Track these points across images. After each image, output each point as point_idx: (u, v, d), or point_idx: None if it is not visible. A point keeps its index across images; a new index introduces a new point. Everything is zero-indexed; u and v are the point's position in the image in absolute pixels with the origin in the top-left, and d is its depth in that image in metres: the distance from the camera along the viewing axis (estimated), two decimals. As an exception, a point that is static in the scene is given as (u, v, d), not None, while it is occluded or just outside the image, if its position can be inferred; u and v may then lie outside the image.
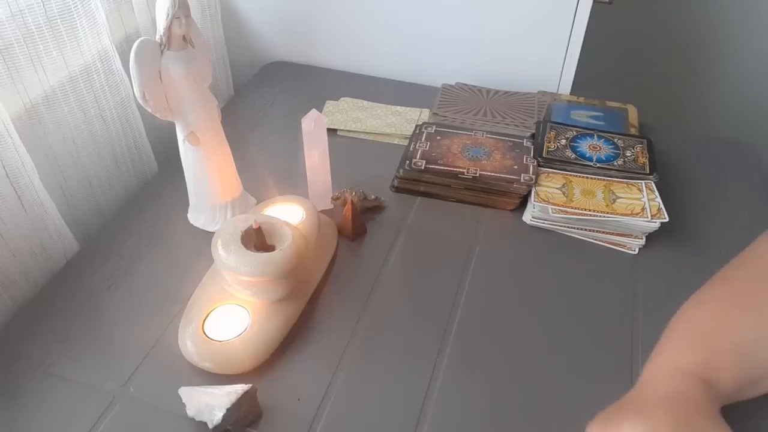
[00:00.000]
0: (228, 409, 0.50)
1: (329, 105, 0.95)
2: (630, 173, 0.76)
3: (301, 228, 0.63)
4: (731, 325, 0.49)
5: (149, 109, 0.61)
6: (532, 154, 0.79)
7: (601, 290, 0.67)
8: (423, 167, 0.77)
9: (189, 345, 0.57)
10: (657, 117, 0.97)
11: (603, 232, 0.72)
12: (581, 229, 0.72)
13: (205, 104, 0.64)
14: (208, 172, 0.68)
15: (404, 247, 0.71)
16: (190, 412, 0.53)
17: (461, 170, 0.76)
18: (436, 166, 0.77)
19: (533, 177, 0.75)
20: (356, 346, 0.60)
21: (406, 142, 0.84)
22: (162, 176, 0.83)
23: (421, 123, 0.87)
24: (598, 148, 0.80)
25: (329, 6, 1.00)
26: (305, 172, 0.72)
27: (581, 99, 0.93)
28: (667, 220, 0.69)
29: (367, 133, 0.90)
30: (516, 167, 0.77)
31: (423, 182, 0.78)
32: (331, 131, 0.89)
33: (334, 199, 0.75)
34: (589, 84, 1.00)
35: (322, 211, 0.73)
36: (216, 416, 0.50)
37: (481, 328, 0.62)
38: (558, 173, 0.77)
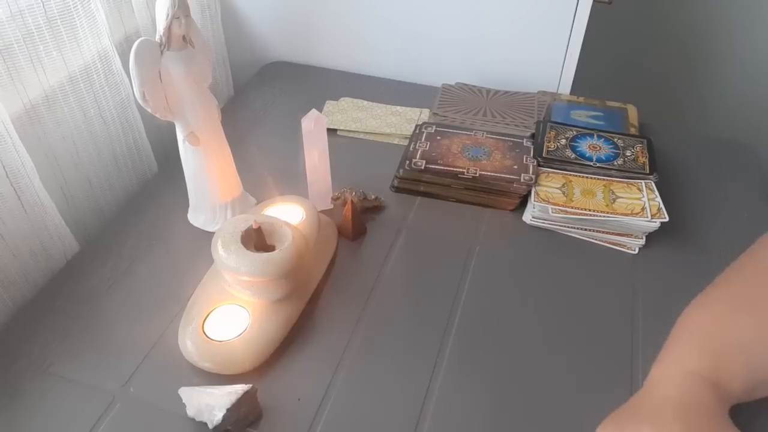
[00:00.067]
0: (228, 410, 0.50)
1: (329, 105, 0.95)
2: (630, 173, 0.76)
3: (301, 228, 0.63)
4: (738, 328, 0.49)
5: (149, 110, 0.61)
6: (532, 154, 0.79)
7: (601, 290, 0.67)
8: (423, 167, 0.77)
9: (189, 345, 0.57)
10: (657, 117, 0.97)
11: (603, 232, 0.72)
12: (581, 228, 0.72)
13: (205, 104, 0.64)
14: (208, 172, 0.68)
15: (404, 247, 0.71)
16: (190, 412, 0.53)
17: (461, 170, 0.76)
18: (436, 166, 0.77)
19: (533, 177, 0.75)
20: (356, 346, 0.60)
21: (406, 142, 0.84)
22: (162, 176, 0.83)
23: (421, 123, 0.87)
24: (598, 148, 0.80)
25: (329, 6, 1.00)
26: (305, 172, 0.72)
27: (581, 99, 0.93)
28: (667, 219, 0.69)
29: (367, 133, 0.90)
30: (516, 167, 0.77)
31: (423, 182, 0.78)
32: (331, 131, 0.89)
33: (334, 199, 0.75)
34: (589, 84, 1.00)
35: (322, 211, 0.73)
36: (216, 416, 0.50)
37: (481, 328, 0.62)
38: (558, 173, 0.77)
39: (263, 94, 1.00)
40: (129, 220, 0.74)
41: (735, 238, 0.72)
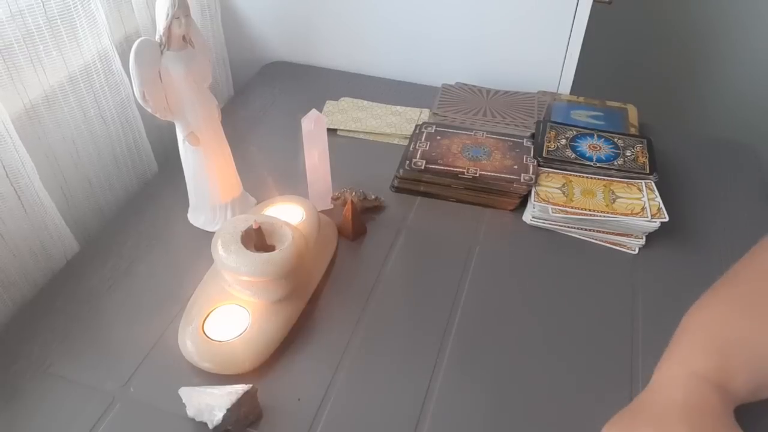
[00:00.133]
0: (228, 410, 0.50)
1: (329, 105, 0.95)
2: (630, 173, 0.76)
3: (301, 228, 0.63)
4: (742, 329, 0.49)
5: (149, 110, 0.61)
6: (532, 154, 0.79)
7: (601, 290, 0.67)
8: (423, 167, 0.77)
9: (189, 345, 0.57)
10: (657, 117, 0.97)
11: (603, 232, 0.72)
12: (581, 228, 0.72)
13: (205, 104, 0.64)
14: (208, 173, 0.68)
15: (404, 247, 0.71)
16: (190, 412, 0.53)
17: (461, 170, 0.76)
18: (436, 166, 0.77)
19: (533, 177, 0.75)
20: (356, 346, 0.60)
21: (406, 142, 0.84)
22: (162, 176, 0.83)
23: (421, 123, 0.87)
24: (598, 148, 0.80)
25: (329, 6, 1.00)
26: (305, 172, 0.72)
27: (581, 99, 0.93)
28: (667, 219, 0.69)
29: (367, 133, 0.90)
30: (516, 167, 0.76)
31: (423, 182, 0.78)
32: (331, 131, 0.89)
33: (334, 199, 0.75)
34: (589, 84, 1.00)
35: (322, 211, 0.73)
36: (216, 416, 0.50)
37: (481, 328, 0.62)
38: (558, 173, 0.77)
39: (263, 94, 1.00)
40: (129, 220, 0.74)
41: (735, 238, 0.72)
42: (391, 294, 0.66)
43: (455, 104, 0.91)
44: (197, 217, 0.73)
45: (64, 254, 0.70)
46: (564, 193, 0.73)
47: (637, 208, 0.71)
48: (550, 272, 0.69)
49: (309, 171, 0.72)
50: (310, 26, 1.04)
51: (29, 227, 0.65)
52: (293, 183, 0.75)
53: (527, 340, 0.61)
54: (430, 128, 0.84)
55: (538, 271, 0.69)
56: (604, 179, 0.76)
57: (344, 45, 1.04)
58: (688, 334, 0.51)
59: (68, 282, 0.67)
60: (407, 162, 0.77)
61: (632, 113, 0.90)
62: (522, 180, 0.75)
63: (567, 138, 0.82)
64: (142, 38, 0.58)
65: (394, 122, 0.91)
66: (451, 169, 0.76)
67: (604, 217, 0.70)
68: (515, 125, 0.87)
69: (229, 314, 0.60)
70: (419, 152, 0.79)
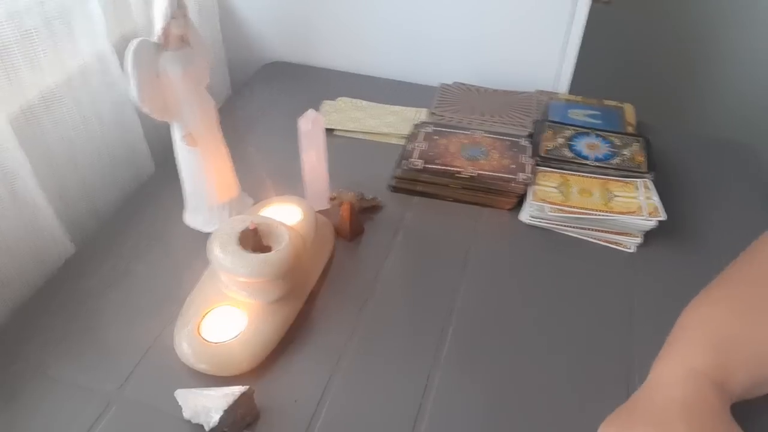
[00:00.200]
0: (225, 411, 0.50)
1: (326, 105, 0.95)
2: (627, 172, 0.76)
3: (298, 228, 0.63)
4: (740, 326, 0.49)
5: (146, 110, 0.61)
6: (529, 153, 0.79)
7: (599, 289, 0.67)
8: (420, 167, 0.77)
9: (185, 347, 0.57)
10: (656, 116, 0.96)
11: (600, 231, 0.72)
12: (578, 227, 0.72)
13: (202, 105, 0.64)
14: (205, 173, 0.68)
15: (402, 247, 0.71)
16: (187, 414, 0.52)
17: (459, 170, 0.76)
18: (434, 166, 0.77)
19: (530, 176, 0.75)
20: (354, 346, 0.60)
21: (403, 142, 0.84)
22: (159, 177, 0.83)
23: (418, 122, 0.87)
24: (596, 147, 0.80)
25: (327, 6, 1.00)
26: (302, 173, 0.72)
27: (579, 98, 0.93)
28: (664, 218, 0.69)
29: (364, 132, 0.90)
30: (513, 166, 0.76)
31: (420, 182, 0.78)
32: (329, 131, 0.89)
33: (332, 199, 0.75)
34: (586, 83, 1.00)
35: (320, 212, 0.73)
36: (213, 418, 0.50)
37: (479, 327, 0.62)
38: (555, 172, 0.77)
39: (261, 95, 0.99)
40: (126, 221, 0.74)
41: (733, 237, 0.71)
42: (388, 294, 0.66)
43: (453, 104, 0.91)
44: (194, 217, 0.72)
45: (59, 255, 0.70)
46: (561, 192, 0.73)
47: (634, 207, 0.71)
48: (548, 271, 0.68)
49: (306, 171, 0.72)
50: (308, 26, 1.04)
51: (25, 228, 0.65)
52: (291, 183, 0.75)
53: (525, 339, 0.61)
54: (427, 128, 0.84)
55: (536, 270, 0.69)
56: (601, 178, 0.76)
57: (342, 45, 1.04)
58: (686, 332, 0.51)
59: (65, 283, 0.66)
60: (405, 162, 0.77)
61: (629, 112, 0.90)
62: (519, 179, 0.75)
63: (564, 137, 0.82)
64: (140, 38, 0.58)
65: (392, 122, 0.91)
66: (449, 168, 0.76)
67: (601, 216, 0.70)
68: (513, 124, 0.87)
69: (226, 315, 0.59)
70: (417, 152, 0.79)
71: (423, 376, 0.57)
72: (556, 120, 0.87)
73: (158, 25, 0.58)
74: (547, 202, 0.71)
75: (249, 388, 0.53)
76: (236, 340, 0.57)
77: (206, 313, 0.59)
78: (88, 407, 0.54)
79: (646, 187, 0.73)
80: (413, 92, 0.99)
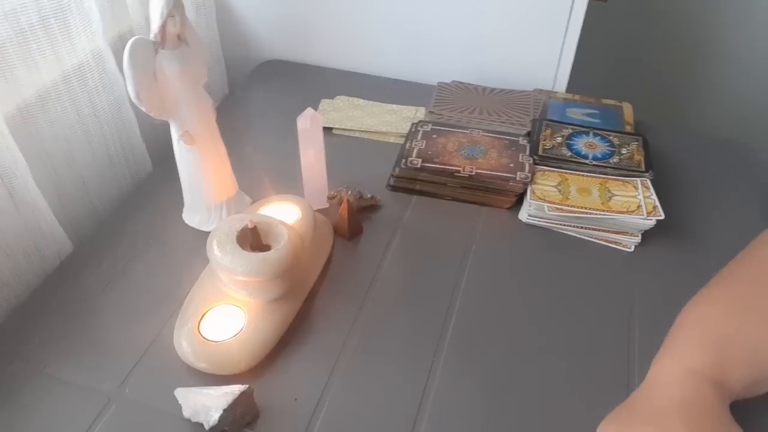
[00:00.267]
0: (225, 410, 0.50)
1: (325, 103, 0.95)
2: (625, 171, 0.76)
3: (297, 227, 0.63)
4: (739, 325, 0.49)
5: (143, 109, 0.61)
6: (527, 152, 0.79)
7: (598, 288, 0.67)
8: (419, 166, 0.77)
9: (185, 345, 0.57)
10: (654, 115, 0.97)
11: (599, 230, 0.72)
12: (577, 227, 0.72)
13: (200, 103, 0.64)
14: (203, 172, 0.67)
15: (401, 246, 0.71)
16: (187, 413, 0.52)
17: (457, 168, 0.76)
18: (432, 165, 0.77)
19: (529, 175, 0.75)
20: (353, 345, 0.60)
21: (402, 141, 0.84)
22: (157, 176, 0.83)
23: (417, 121, 0.87)
24: (594, 146, 0.80)
25: (325, 4, 1.00)
26: (301, 171, 0.72)
27: (577, 97, 0.93)
28: (662, 217, 0.69)
29: (362, 131, 0.90)
30: (512, 165, 0.76)
31: (419, 181, 0.77)
32: (327, 130, 0.88)
33: (330, 198, 0.75)
34: (584, 82, 1.00)
35: (318, 210, 0.73)
36: (212, 417, 0.50)
37: (478, 327, 0.62)
38: (554, 171, 0.77)
39: (258, 93, 0.99)
40: (124, 220, 0.74)
41: (731, 236, 0.72)
42: (387, 293, 0.66)
43: (451, 102, 0.91)
44: (192, 216, 0.72)
45: (58, 254, 0.70)
46: (560, 191, 0.73)
47: (632, 206, 0.71)
48: (546, 270, 0.69)
49: (305, 170, 0.72)
50: (306, 25, 1.04)
51: (23, 228, 0.65)
52: (289, 182, 0.75)
53: (524, 338, 0.61)
54: (426, 127, 0.84)
55: (534, 269, 0.69)
56: (599, 177, 0.76)
57: (340, 43, 1.04)
58: (685, 330, 0.51)
59: (63, 282, 0.66)
60: (403, 160, 0.77)
61: (628, 111, 0.90)
62: (518, 178, 0.75)
63: (563, 136, 0.82)
64: (137, 37, 0.58)
65: (390, 121, 0.91)
66: (447, 167, 0.76)
67: (600, 215, 0.70)
68: (511, 123, 0.87)
69: (225, 314, 0.59)
70: (415, 151, 0.79)
71: (422, 374, 0.57)
72: (555, 119, 0.87)
73: (155, 23, 0.58)
74: (546, 201, 0.72)
75: (249, 386, 0.52)
76: (236, 339, 0.57)
77: (205, 312, 0.59)
78: (88, 406, 0.54)
79: (645, 187, 0.74)
80: (411, 91, 0.98)
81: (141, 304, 0.64)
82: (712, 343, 0.49)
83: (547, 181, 0.75)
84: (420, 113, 0.93)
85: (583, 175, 0.76)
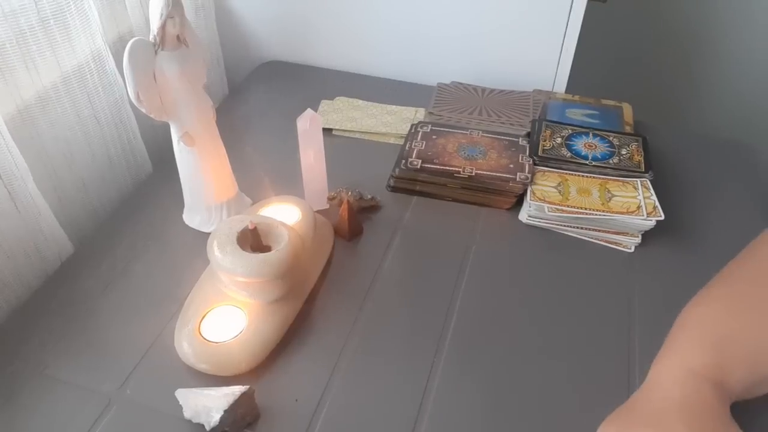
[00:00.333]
0: (225, 411, 0.50)
1: (324, 104, 0.95)
2: (625, 171, 0.76)
3: (297, 228, 0.63)
4: (739, 326, 0.49)
5: (143, 110, 0.61)
6: (527, 153, 0.79)
7: (598, 288, 0.67)
8: (419, 166, 0.77)
9: (185, 346, 0.57)
10: (654, 115, 0.97)
11: (599, 231, 0.72)
12: (577, 227, 0.73)
13: (199, 104, 0.64)
14: (203, 173, 0.67)
15: (401, 247, 0.71)
16: (187, 414, 0.52)
17: (457, 169, 0.76)
18: (432, 166, 0.77)
19: (529, 176, 0.75)
20: (353, 346, 0.60)
21: (401, 142, 0.84)
22: (157, 177, 0.83)
23: (416, 122, 0.87)
24: (594, 147, 0.80)
25: (324, 5, 1.00)
26: (301, 172, 0.72)
27: (576, 97, 0.94)
28: (662, 218, 0.69)
29: (362, 132, 0.90)
30: (512, 166, 0.76)
31: (419, 181, 0.78)
32: (327, 131, 0.89)
33: (330, 199, 0.75)
34: (584, 82, 1.00)
35: (318, 211, 0.73)
36: (213, 418, 0.50)
37: (478, 327, 0.62)
38: (554, 172, 0.77)
39: (258, 94, 0.99)
40: (124, 221, 0.74)
41: (731, 237, 0.72)
42: (388, 294, 0.66)
43: (451, 103, 0.91)
44: (192, 217, 0.72)
45: (58, 255, 0.70)
46: (560, 191, 0.74)
47: (632, 207, 0.71)
48: (547, 271, 0.69)
49: (305, 171, 0.72)
50: (305, 25, 1.04)
51: (23, 228, 0.65)
52: (289, 183, 0.75)
53: (524, 338, 0.61)
54: (425, 127, 0.84)
55: (535, 269, 0.69)
56: (599, 178, 0.76)
57: (339, 44, 1.04)
58: (685, 331, 0.51)
59: (63, 283, 0.66)
60: (403, 161, 0.77)
61: (627, 112, 0.90)
62: (518, 179, 0.75)
63: (562, 137, 0.82)
64: (136, 38, 0.58)
65: (390, 121, 0.91)
66: (447, 168, 0.76)
67: (600, 215, 0.70)
68: (511, 124, 0.87)
69: (226, 315, 0.59)
70: (415, 151, 0.79)
71: (423, 375, 0.57)
72: (554, 119, 0.87)
73: (155, 24, 0.58)
74: (546, 202, 0.72)
75: (249, 387, 0.52)
76: (236, 339, 0.57)
77: (206, 313, 0.59)
78: (88, 407, 0.54)
79: (645, 187, 0.74)
80: (410, 92, 0.99)
81: (141, 305, 0.64)
82: (713, 344, 0.49)
83: (547, 182, 0.75)
84: (420, 114, 0.93)
85: (583, 176, 0.76)
